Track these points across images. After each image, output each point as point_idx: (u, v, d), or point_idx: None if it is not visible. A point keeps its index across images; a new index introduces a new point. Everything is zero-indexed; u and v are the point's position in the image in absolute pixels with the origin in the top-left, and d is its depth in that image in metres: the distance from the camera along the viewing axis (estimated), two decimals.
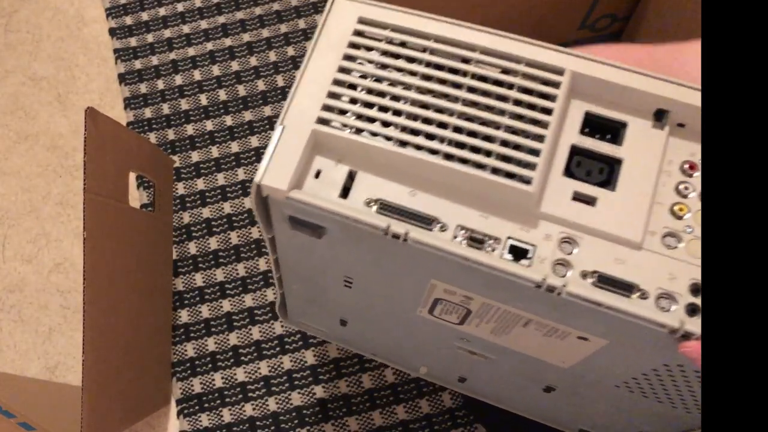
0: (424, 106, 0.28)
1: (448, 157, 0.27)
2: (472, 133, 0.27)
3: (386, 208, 0.28)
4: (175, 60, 0.74)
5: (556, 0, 0.58)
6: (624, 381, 0.33)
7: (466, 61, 0.28)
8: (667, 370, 0.29)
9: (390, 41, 0.29)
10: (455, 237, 0.27)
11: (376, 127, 0.28)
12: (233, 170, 0.69)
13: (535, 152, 0.27)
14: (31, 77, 0.76)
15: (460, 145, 0.27)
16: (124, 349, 0.56)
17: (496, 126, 0.27)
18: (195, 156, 0.70)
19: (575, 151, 0.28)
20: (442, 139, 0.27)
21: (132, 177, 0.60)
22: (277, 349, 0.63)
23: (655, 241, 0.27)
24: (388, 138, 0.28)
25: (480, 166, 0.27)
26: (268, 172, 0.27)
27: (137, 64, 0.74)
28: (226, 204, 0.68)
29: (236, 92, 0.72)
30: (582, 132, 0.28)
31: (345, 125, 0.28)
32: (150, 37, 0.76)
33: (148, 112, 0.72)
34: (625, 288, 0.26)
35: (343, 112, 0.28)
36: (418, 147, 0.27)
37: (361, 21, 0.29)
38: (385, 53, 0.29)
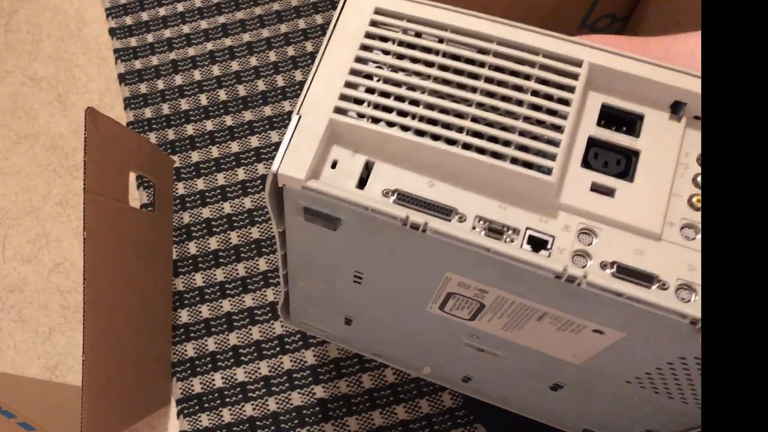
0: (442, 96, 0.28)
1: (467, 146, 0.27)
2: (490, 124, 0.27)
3: (404, 198, 0.27)
4: (175, 60, 0.74)
5: (556, 0, 0.59)
6: (636, 376, 0.33)
7: (483, 52, 0.28)
8: (683, 363, 0.29)
9: (406, 32, 0.29)
10: (474, 228, 0.27)
11: (393, 116, 0.28)
12: (233, 170, 0.69)
13: (555, 143, 0.27)
14: (31, 77, 0.76)
15: (478, 135, 0.27)
16: (124, 349, 0.56)
17: (515, 116, 0.27)
18: (195, 156, 0.70)
19: (592, 142, 0.28)
20: (460, 129, 0.27)
21: (132, 177, 0.60)
22: (277, 349, 0.63)
23: (674, 232, 0.27)
24: (406, 128, 0.27)
25: (499, 156, 0.27)
26: (285, 161, 0.27)
27: (137, 64, 0.74)
28: (226, 204, 0.68)
29: (236, 92, 0.72)
30: (599, 124, 0.28)
31: (362, 115, 0.28)
32: (150, 37, 0.76)
33: (148, 112, 0.72)
34: (644, 279, 0.26)
35: (359, 101, 0.28)
36: (436, 137, 0.27)
37: (378, 12, 0.29)
38: (401, 44, 0.29)
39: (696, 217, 0.27)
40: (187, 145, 0.71)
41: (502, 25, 0.28)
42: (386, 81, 0.28)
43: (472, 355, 0.40)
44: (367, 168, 0.28)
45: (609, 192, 0.27)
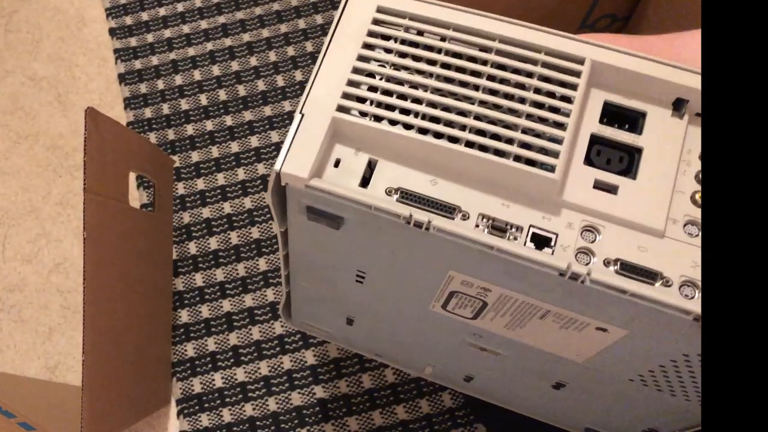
0: (444, 94, 0.28)
1: (470, 144, 0.27)
2: (493, 122, 0.27)
3: (407, 196, 0.27)
4: (175, 60, 0.74)
5: (556, 0, 0.59)
6: (639, 374, 0.33)
7: (485, 50, 0.28)
8: (686, 360, 0.29)
9: (408, 30, 0.29)
10: (477, 226, 0.27)
11: (396, 115, 0.28)
12: (233, 170, 0.69)
13: (557, 140, 0.27)
14: (31, 77, 0.76)
15: (481, 133, 0.27)
16: (124, 349, 0.56)
17: (517, 114, 0.27)
18: (195, 156, 0.70)
19: (595, 140, 0.28)
20: (463, 127, 0.27)
21: (132, 177, 0.60)
22: (277, 349, 0.63)
23: (677, 229, 0.27)
24: (409, 126, 0.28)
25: (502, 153, 0.27)
26: (288, 160, 0.27)
27: (137, 64, 0.74)
28: (226, 204, 0.68)
29: (236, 92, 0.72)
30: (601, 121, 0.28)
31: (365, 113, 0.28)
32: (150, 37, 0.76)
33: (148, 112, 0.72)
34: (648, 276, 0.26)
35: (362, 100, 0.28)
36: (439, 135, 0.27)
37: (380, 10, 0.29)
38: (404, 42, 0.29)
39: (699, 214, 0.27)
40: (187, 145, 0.71)
41: (505, 23, 0.28)
42: (389, 79, 0.28)
43: (475, 355, 0.40)
44: (370, 166, 0.28)
45: (612, 189, 0.27)
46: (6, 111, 0.74)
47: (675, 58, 0.28)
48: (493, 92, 0.28)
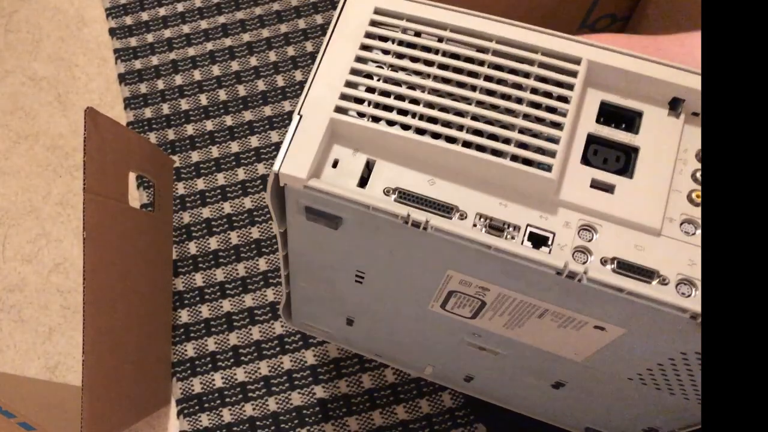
0: (441, 94, 0.28)
1: (467, 144, 0.27)
2: (490, 122, 0.27)
3: (405, 196, 0.28)
4: (175, 60, 0.74)
5: (556, 0, 0.59)
6: (638, 373, 0.33)
7: (482, 50, 0.28)
8: (684, 358, 0.29)
9: (406, 31, 0.29)
10: (475, 225, 0.27)
11: (393, 115, 0.28)
12: (233, 170, 0.69)
13: (554, 140, 0.27)
14: (31, 77, 0.76)
15: (478, 133, 0.27)
16: (124, 349, 0.56)
17: (514, 114, 0.27)
18: (195, 156, 0.70)
19: (592, 139, 0.28)
20: (460, 127, 0.27)
21: (132, 177, 0.60)
22: (277, 349, 0.63)
23: (674, 228, 0.27)
24: (406, 126, 0.28)
25: (499, 153, 0.27)
26: (287, 161, 0.27)
27: (137, 64, 0.74)
28: (226, 204, 0.68)
29: (236, 92, 0.72)
30: (598, 121, 0.28)
31: (362, 114, 0.28)
32: (150, 37, 0.76)
33: (148, 112, 0.72)
34: (645, 274, 0.26)
35: (360, 101, 0.28)
36: (436, 135, 0.27)
37: (378, 11, 0.29)
38: (401, 43, 0.29)
39: (695, 213, 0.27)
40: (187, 145, 0.71)
41: (501, 24, 0.28)
42: (386, 80, 0.28)
43: (474, 354, 0.40)
44: (368, 167, 0.28)
45: (609, 188, 0.27)
46: (6, 111, 0.74)
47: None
48: (490, 92, 0.28)
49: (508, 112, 0.27)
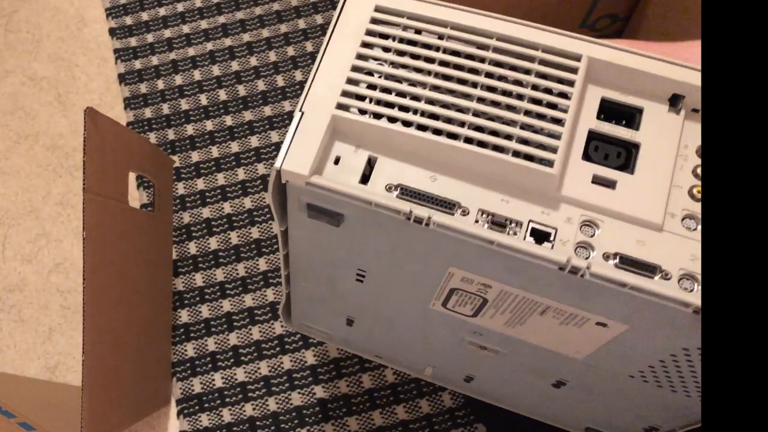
0: (442, 91, 0.28)
1: (468, 140, 0.27)
2: (491, 118, 0.27)
3: (407, 193, 0.28)
4: (175, 60, 0.74)
5: (556, 0, 0.59)
6: (639, 370, 0.33)
7: (483, 47, 0.28)
8: (686, 354, 0.29)
9: (406, 29, 0.29)
10: (477, 221, 0.27)
11: (395, 112, 0.28)
12: (233, 170, 0.69)
13: (555, 135, 0.27)
14: (31, 77, 0.76)
15: (480, 129, 0.27)
16: (124, 349, 0.56)
17: (515, 111, 0.27)
18: (195, 156, 0.70)
19: (592, 136, 0.28)
20: (461, 124, 0.27)
21: (132, 177, 0.60)
22: (277, 349, 0.63)
23: (676, 223, 0.27)
24: (408, 123, 0.28)
25: (500, 149, 0.27)
26: (289, 157, 0.27)
27: (137, 64, 0.74)
28: (226, 204, 0.68)
29: (236, 92, 0.72)
30: (598, 117, 0.28)
31: (364, 111, 0.28)
32: (150, 37, 0.76)
33: (148, 112, 0.72)
34: (647, 269, 0.26)
35: (361, 98, 0.28)
36: (438, 131, 0.28)
37: (378, 9, 0.30)
38: (402, 40, 0.29)
39: (697, 208, 0.27)
40: (187, 145, 0.71)
41: (502, 22, 0.29)
42: (388, 77, 0.29)
43: (475, 354, 0.40)
44: (370, 164, 0.28)
45: (610, 184, 0.27)
46: (6, 111, 0.74)
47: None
48: (491, 89, 0.28)
49: (509, 108, 0.27)
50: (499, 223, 0.27)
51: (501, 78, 0.28)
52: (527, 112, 0.27)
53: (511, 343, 0.36)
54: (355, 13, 0.30)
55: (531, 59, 0.28)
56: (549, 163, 0.27)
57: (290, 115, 0.71)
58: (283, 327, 0.64)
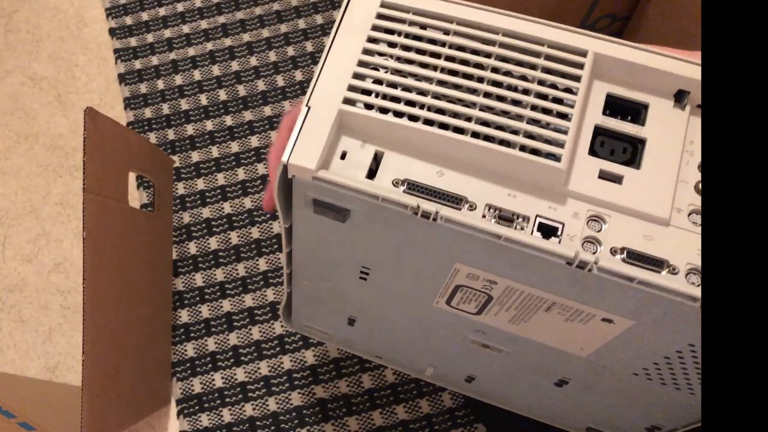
0: (449, 86, 0.28)
1: (475, 135, 0.27)
2: (498, 113, 0.27)
3: (414, 187, 0.28)
4: (175, 60, 0.74)
5: (556, 0, 0.59)
6: (644, 367, 0.33)
7: (489, 43, 0.28)
8: (692, 350, 0.29)
9: (412, 24, 0.29)
10: (484, 216, 0.27)
11: (401, 107, 0.28)
12: (233, 170, 0.69)
13: (562, 130, 0.27)
14: (31, 77, 0.76)
15: (486, 124, 0.27)
16: (124, 349, 0.56)
17: (522, 106, 0.27)
18: (195, 156, 0.70)
19: (599, 131, 0.28)
20: (468, 118, 0.27)
21: (132, 177, 0.60)
22: (277, 349, 0.63)
23: (682, 218, 0.27)
24: (414, 118, 0.28)
25: (507, 143, 0.27)
26: (295, 152, 0.27)
27: (137, 64, 0.74)
28: (226, 204, 0.68)
29: (236, 92, 0.72)
30: (604, 113, 0.28)
31: (370, 106, 0.28)
32: (150, 37, 0.76)
33: (148, 112, 0.72)
34: (654, 264, 0.26)
35: (368, 92, 0.28)
36: (444, 126, 0.27)
37: (384, 5, 0.30)
38: (408, 36, 0.29)
39: None
40: (187, 145, 0.71)
41: (507, 17, 0.29)
42: (394, 72, 0.29)
43: (477, 353, 0.40)
44: (377, 159, 0.28)
45: (617, 179, 0.27)
46: (6, 111, 0.74)
47: None
48: (497, 84, 0.28)
49: (516, 103, 0.28)
50: (506, 218, 0.27)
51: (507, 73, 0.28)
52: (533, 107, 0.27)
53: (514, 342, 0.36)
54: (360, 8, 0.30)
55: (537, 55, 0.28)
56: (556, 158, 0.27)
57: None
58: (283, 327, 0.64)
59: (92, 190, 0.51)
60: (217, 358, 0.63)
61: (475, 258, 0.29)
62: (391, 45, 0.29)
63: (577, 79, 0.28)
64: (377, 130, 0.28)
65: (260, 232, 0.67)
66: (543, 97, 0.27)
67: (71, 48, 0.77)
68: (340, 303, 0.41)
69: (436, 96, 0.28)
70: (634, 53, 0.28)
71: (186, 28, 0.76)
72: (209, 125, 0.71)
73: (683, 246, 0.27)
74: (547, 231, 0.27)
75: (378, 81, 0.28)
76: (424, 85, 0.28)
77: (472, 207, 0.27)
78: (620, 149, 0.28)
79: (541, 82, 0.28)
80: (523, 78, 0.28)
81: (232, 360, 0.63)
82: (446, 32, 0.29)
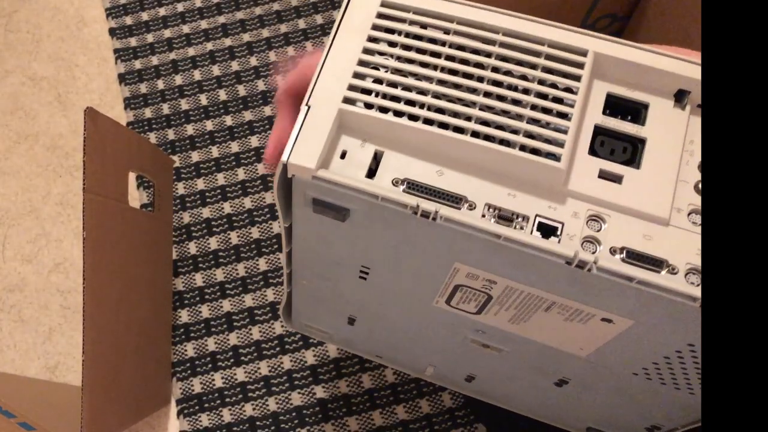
0: (449, 86, 0.28)
1: (475, 134, 0.27)
2: (498, 112, 0.28)
3: (413, 187, 0.28)
4: (175, 60, 0.74)
5: (556, 0, 0.59)
6: (643, 367, 0.33)
7: (489, 42, 0.28)
8: (691, 350, 0.29)
9: (413, 23, 0.29)
10: (484, 215, 0.27)
11: (401, 106, 0.28)
12: (233, 170, 0.69)
13: (562, 130, 0.27)
14: (31, 77, 0.76)
15: (486, 124, 0.27)
16: (124, 349, 0.56)
17: (522, 105, 0.27)
18: (195, 156, 0.70)
19: (599, 131, 0.28)
20: (468, 118, 0.27)
21: (132, 177, 0.60)
22: (277, 349, 0.63)
23: (682, 218, 0.27)
24: (414, 117, 0.28)
25: (507, 143, 0.27)
26: (295, 151, 0.27)
27: (137, 64, 0.74)
28: (226, 204, 0.68)
29: (236, 92, 0.72)
30: (604, 112, 0.28)
31: (370, 105, 0.28)
32: (150, 37, 0.76)
33: (148, 112, 0.72)
34: (654, 263, 0.26)
35: (368, 92, 0.28)
36: (444, 125, 0.28)
37: (384, 4, 0.30)
38: (408, 35, 0.29)
39: None
40: (187, 145, 0.71)
41: (508, 17, 0.29)
42: (394, 71, 0.29)
43: (477, 353, 0.40)
44: (376, 158, 0.28)
45: (617, 179, 0.27)
46: (6, 111, 0.74)
47: None
48: (497, 83, 0.28)
49: (516, 103, 0.28)
50: (506, 218, 0.27)
51: (507, 73, 0.28)
52: (533, 107, 0.27)
53: (514, 341, 0.36)
54: (361, 8, 0.30)
55: (537, 54, 0.28)
56: (556, 158, 0.27)
57: None
58: (283, 327, 0.64)
59: (92, 190, 0.51)
60: (217, 358, 0.63)
61: (474, 257, 0.29)
62: (392, 44, 0.29)
63: (578, 78, 0.28)
64: (377, 130, 0.28)
65: (260, 232, 0.67)
66: (543, 96, 0.28)
67: (71, 48, 0.77)
68: (340, 302, 0.42)
69: (436, 95, 0.28)
70: (635, 53, 0.28)
71: (186, 28, 0.76)
72: (209, 125, 0.71)
73: (683, 246, 0.27)
74: (547, 230, 0.27)
75: (378, 80, 0.28)
76: (424, 84, 0.28)
77: (472, 206, 0.27)
78: (620, 149, 0.28)
79: (541, 82, 0.28)
80: (524, 77, 0.28)
81: (232, 360, 0.63)
82: (446, 32, 0.29)
